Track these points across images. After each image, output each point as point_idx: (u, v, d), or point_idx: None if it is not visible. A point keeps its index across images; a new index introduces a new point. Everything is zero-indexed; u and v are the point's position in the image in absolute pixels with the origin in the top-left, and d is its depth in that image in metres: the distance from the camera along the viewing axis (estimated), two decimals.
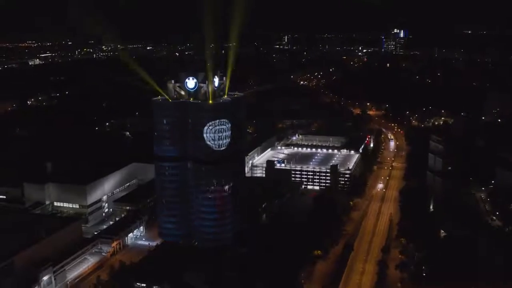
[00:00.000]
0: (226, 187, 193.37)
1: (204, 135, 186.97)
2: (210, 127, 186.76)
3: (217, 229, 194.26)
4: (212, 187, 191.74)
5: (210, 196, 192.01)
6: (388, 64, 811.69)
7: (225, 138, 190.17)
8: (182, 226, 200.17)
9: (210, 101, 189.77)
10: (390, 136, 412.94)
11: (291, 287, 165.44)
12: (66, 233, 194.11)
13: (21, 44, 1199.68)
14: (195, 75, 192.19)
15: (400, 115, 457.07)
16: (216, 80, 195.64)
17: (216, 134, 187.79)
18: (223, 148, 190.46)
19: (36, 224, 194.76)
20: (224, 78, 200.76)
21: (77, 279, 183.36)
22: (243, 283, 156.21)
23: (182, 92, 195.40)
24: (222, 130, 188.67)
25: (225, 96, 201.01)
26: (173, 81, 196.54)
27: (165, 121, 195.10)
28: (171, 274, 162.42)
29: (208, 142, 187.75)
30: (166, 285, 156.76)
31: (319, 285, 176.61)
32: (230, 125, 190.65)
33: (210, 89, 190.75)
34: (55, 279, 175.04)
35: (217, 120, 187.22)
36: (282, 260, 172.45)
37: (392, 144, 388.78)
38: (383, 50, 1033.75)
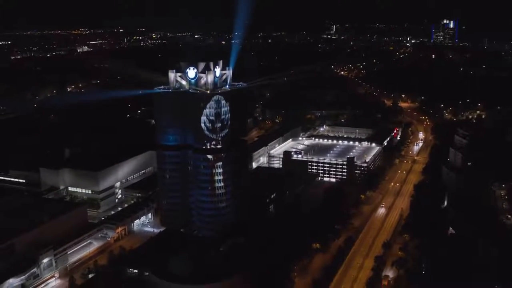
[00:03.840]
0: (225, 176, 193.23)
1: (202, 125, 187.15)
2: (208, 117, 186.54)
3: (215, 218, 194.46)
4: (211, 176, 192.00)
5: (208, 185, 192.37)
6: (433, 55, 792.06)
7: (224, 128, 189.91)
8: (183, 214, 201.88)
9: (209, 91, 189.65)
10: (419, 129, 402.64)
11: (281, 280, 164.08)
12: (71, 217, 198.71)
13: (73, 31, 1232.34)
14: (195, 65, 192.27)
15: (433, 107, 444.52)
16: (218, 70, 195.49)
17: (214, 124, 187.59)
18: (221, 138, 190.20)
19: (42, 208, 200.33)
20: (227, 68, 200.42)
21: (78, 263, 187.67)
22: (225, 274, 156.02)
23: (183, 82, 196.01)
24: (221, 120, 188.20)
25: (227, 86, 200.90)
26: (174, 71, 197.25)
27: (165, 111, 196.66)
28: (159, 262, 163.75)
29: (206, 132, 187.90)
30: (148, 273, 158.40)
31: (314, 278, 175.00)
32: (229, 115, 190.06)
33: (209, 79, 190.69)
34: (56, 261, 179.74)
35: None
36: (278, 252, 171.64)
37: (420, 137, 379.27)
38: (431, 41, 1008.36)
